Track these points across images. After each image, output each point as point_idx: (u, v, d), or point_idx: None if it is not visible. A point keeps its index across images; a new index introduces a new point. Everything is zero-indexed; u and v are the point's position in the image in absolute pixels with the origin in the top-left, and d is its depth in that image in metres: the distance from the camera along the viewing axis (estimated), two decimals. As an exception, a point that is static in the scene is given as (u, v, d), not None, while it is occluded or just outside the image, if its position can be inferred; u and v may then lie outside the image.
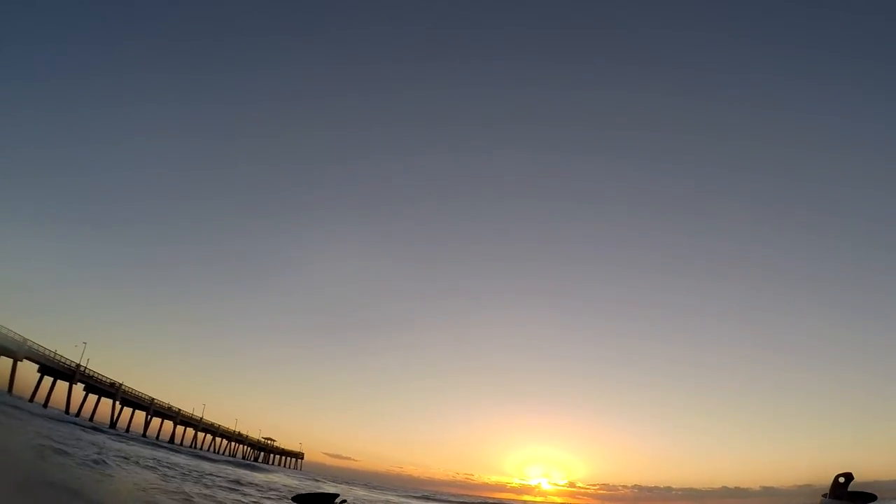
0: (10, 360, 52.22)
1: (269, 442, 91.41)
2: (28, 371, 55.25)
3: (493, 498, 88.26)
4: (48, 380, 56.40)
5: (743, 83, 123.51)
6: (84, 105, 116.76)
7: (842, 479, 4.35)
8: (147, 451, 25.79)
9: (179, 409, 72.89)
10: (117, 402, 63.71)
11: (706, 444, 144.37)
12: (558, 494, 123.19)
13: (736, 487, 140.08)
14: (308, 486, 31.66)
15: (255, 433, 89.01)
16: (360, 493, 29.82)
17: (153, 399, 68.52)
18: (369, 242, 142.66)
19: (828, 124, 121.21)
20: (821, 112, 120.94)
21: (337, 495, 3.71)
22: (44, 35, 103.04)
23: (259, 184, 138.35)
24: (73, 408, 58.20)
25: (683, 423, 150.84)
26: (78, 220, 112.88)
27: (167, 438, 69.50)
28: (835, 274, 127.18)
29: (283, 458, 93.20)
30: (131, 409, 66.38)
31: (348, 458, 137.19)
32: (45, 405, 54.34)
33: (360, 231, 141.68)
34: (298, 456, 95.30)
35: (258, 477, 28.37)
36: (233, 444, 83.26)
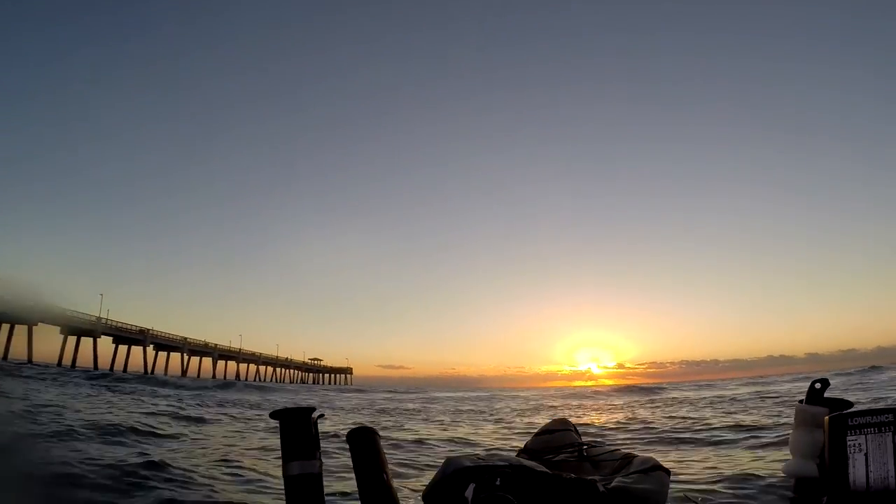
0: (25, 327, 50.17)
1: (315, 363, 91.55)
2: (49, 334, 53.57)
3: (544, 387, 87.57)
4: (72, 339, 54.85)
5: None
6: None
7: (818, 385, 2.00)
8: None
9: (216, 345, 71.77)
10: (149, 349, 62.31)
11: (751, 315, 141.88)
12: (608, 377, 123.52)
13: (781, 355, 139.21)
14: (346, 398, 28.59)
15: (300, 356, 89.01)
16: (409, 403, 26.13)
17: (186, 338, 67.07)
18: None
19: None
20: None
21: (314, 409, 1.02)
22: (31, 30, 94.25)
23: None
24: (104, 363, 56.64)
25: (728, 296, 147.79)
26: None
27: (209, 376, 68.67)
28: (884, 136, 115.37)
29: (332, 375, 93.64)
30: (166, 353, 65.04)
31: (401, 367, 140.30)
32: (73, 366, 52.61)
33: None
34: (347, 372, 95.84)
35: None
36: (279, 370, 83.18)
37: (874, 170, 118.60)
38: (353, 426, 1.73)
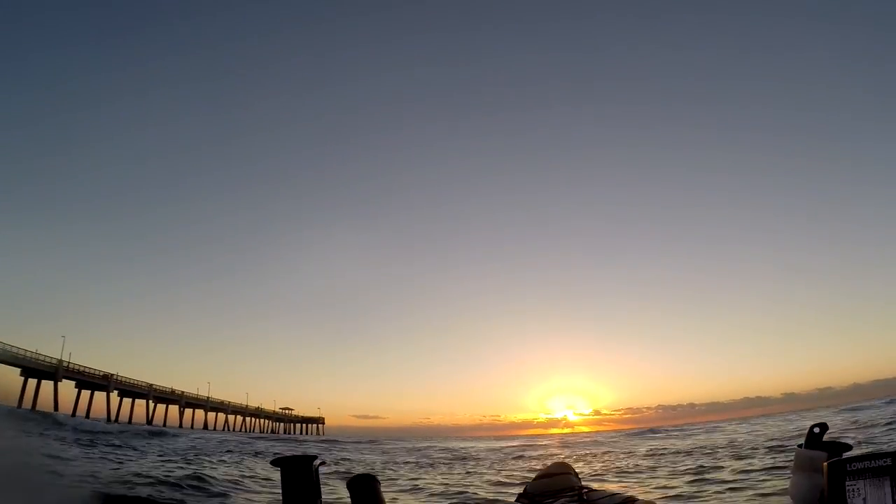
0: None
1: (286, 412, 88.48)
2: (9, 374, 51.11)
3: (521, 435, 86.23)
4: (32, 382, 52.16)
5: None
6: (77, 102, 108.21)
7: (817, 430, 2.30)
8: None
9: (183, 392, 69.03)
10: (113, 394, 59.57)
11: (727, 358, 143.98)
12: (584, 423, 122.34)
13: (757, 396, 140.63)
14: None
15: (271, 405, 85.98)
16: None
17: (151, 385, 64.41)
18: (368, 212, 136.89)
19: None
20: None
21: (315, 457, 1.17)
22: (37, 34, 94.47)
23: (257, 175, 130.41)
24: (66, 408, 53.83)
25: (703, 339, 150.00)
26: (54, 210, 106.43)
27: (176, 424, 65.73)
28: (854, 182, 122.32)
29: (304, 426, 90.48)
30: (131, 400, 62.22)
31: (375, 417, 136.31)
32: (33, 408, 49.90)
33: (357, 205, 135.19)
34: (318, 421, 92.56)
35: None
36: (248, 419, 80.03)
37: (846, 210, 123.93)
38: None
